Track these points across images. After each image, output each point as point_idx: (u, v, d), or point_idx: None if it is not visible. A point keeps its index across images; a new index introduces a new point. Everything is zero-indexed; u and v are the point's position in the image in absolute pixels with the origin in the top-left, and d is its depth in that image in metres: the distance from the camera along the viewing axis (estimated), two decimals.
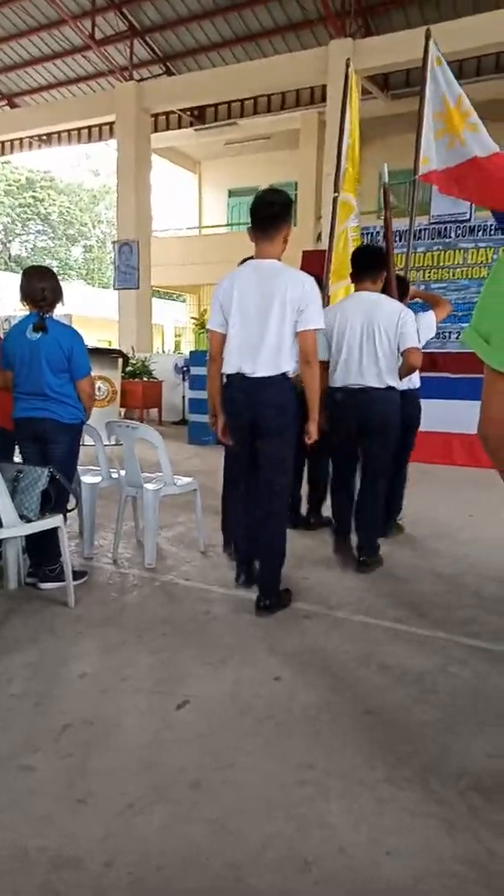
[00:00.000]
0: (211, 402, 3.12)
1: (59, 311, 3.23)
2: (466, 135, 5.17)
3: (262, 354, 2.84)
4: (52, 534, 2.98)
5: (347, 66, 5.94)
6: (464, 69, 11.78)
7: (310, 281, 2.86)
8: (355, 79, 6.78)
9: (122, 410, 9.23)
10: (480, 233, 7.94)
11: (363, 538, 3.56)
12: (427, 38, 5.41)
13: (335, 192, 5.41)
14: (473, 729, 2.04)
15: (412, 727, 2.05)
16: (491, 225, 7.88)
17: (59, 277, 3.24)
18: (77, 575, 3.18)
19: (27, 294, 3.07)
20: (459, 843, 1.56)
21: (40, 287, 3.05)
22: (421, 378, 7.28)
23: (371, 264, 3.55)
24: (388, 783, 1.78)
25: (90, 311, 18.82)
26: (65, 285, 3.23)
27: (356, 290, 3.61)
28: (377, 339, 3.37)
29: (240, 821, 1.64)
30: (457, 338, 8.13)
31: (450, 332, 8.17)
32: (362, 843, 1.56)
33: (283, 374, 2.85)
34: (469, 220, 7.95)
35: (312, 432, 2.97)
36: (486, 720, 2.09)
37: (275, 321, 2.82)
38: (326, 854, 1.53)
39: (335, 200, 5.44)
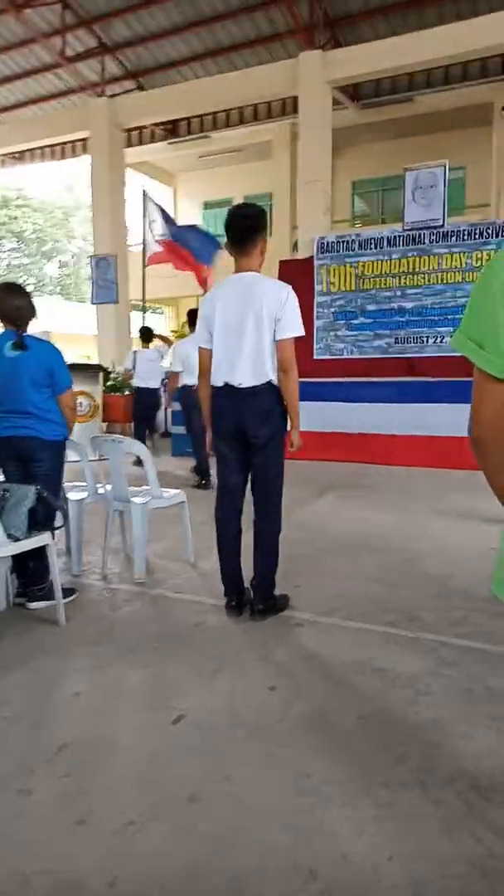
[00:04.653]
0: (205, 416, 3.14)
1: (38, 329, 3.22)
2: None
3: (244, 365, 2.87)
4: (41, 552, 2.96)
5: None
6: (431, 79, 12.02)
7: (287, 289, 2.89)
8: None
9: (105, 425, 9.20)
10: (454, 238, 8.05)
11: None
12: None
13: None
14: (467, 730, 2.06)
15: (407, 730, 2.07)
16: (464, 230, 8.01)
17: (35, 294, 3.24)
18: (66, 593, 3.16)
19: (2, 313, 3.06)
20: (459, 843, 1.57)
21: (15, 305, 3.04)
22: (401, 382, 7.38)
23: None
24: (385, 787, 1.79)
25: (68, 326, 18.76)
26: (41, 302, 3.22)
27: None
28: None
29: (240, 833, 1.64)
30: (433, 343, 8.23)
31: (427, 337, 8.27)
32: (364, 849, 1.57)
33: (269, 383, 2.88)
34: (442, 226, 8.07)
35: (295, 440, 3.01)
36: (478, 720, 2.11)
37: (252, 331, 2.85)
38: (329, 862, 1.53)
39: None
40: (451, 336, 7.80)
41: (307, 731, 2.08)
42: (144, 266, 9.70)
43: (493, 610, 3.04)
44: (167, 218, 9.55)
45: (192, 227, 9.75)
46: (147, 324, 9.26)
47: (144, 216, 9.41)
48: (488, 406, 1.04)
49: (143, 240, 9.45)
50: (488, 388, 1.03)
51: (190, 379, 6.10)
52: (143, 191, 9.58)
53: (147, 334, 8.32)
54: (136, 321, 10.66)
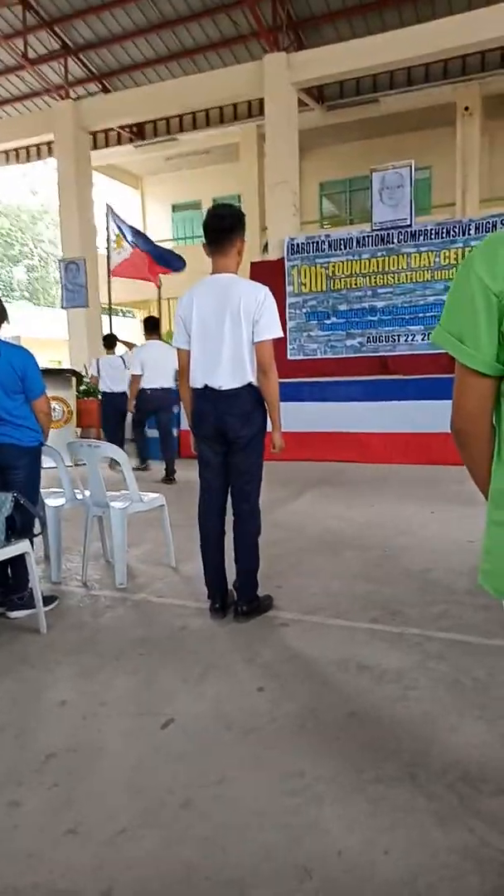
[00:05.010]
0: (187, 417, 3.13)
1: (8, 334, 3.17)
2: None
3: (223, 367, 2.86)
4: (19, 560, 2.91)
5: None
6: (394, 80, 12.16)
7: (264, 291, 2.89)
8: None
9: (79, 430, 9.10)
10: (422, 237, 8.16)
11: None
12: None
13: None
14: (456, 721, 2.08)
15: (396, 725, 2.08)
16: (431, 229, 8.12)
17: (4, 299, 3.19)
18: (47, 601, 3.12)
19: None
20: (452, 834, 1.59)
21: None
22: (374, 380, 7.54)
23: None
24: (377, 783, 1.80)
25: (38, 331, 18.53)
26: (9, 307, 3.17)
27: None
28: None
29: (234, 836, 1.63)
30: (405, 341, 8.32)
31: (399, 336, 8.35)
32: (358, 845, 1.57)
33: (249, 385, 2.88)
34: (410, 225, 8.17)
35: (277, 441, 3.02)
36: (467, 712, 2.13)
37: (231, 334, 2.84)
38: (324, 860, 1.53)
39: None
40: (430, 333, 7.93)
41: (297, 730, 2.08)
42: (109, 277, 9.77)
43: (473, 602, 3.08)
44: (134, 231, 9.68)
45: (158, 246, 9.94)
46: (118, 327, 9.30)
47: (108, 229, 9.55)
48: (470, 399, 1.06)
49: (108, 253, 9.67)
50: (469, 382, 1.05)
51: (147, 382, 6.53)
52: (107, 205, 9.70)
53: (110, 340, 8.38)
54: (108, 325, 10.60)
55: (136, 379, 6.67)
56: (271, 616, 3.02)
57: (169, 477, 6.70)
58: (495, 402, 1.06)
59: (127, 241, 9.42)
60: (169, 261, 9.34)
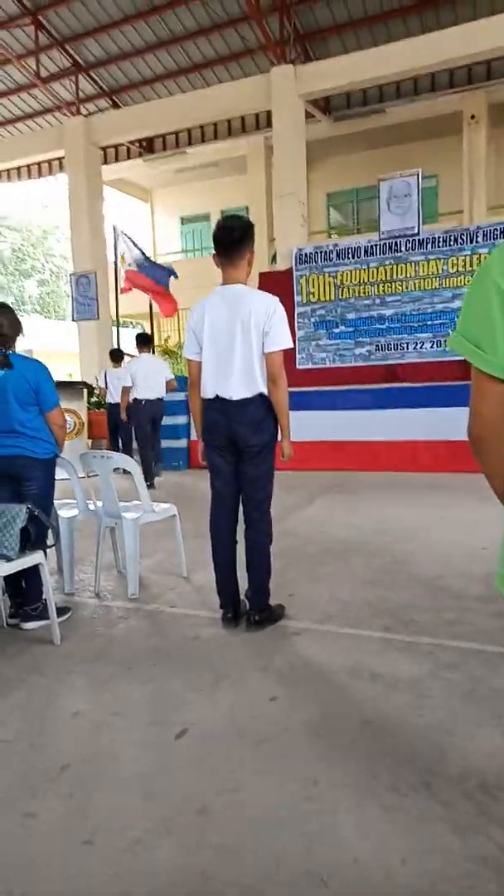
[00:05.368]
0: (196, 427, 3.15)
1: (21, 347, 3.21)
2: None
3: (234, 378, 2.88)
4: (33, 572, 2.94)
5: None
6: (401, 90, 12.23)
7: (275, 302, 2.91)
8: None
9: (90, 442, 9.17)
10: (430, 245, 8.18)
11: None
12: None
13: None
14: (471, 730, 2.07)
15: (411, 733, 2.07)
16: (439, 237, 8.13)
17: (16, 313, 3.22)
18: (60, 611, 3.13)
19: None
20: (470, 842, 1.58)
21: (0, 322, 3.03)
22: (383, 388, 7.59)
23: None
24: (392, 791, 1.79)
25: (49, 344, 18.69)
26: (22, 321, 3.21)
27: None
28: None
29: (250, 843, 1.63)
30: (414, 349, 8.32)
31: (407, 344, 8.36)
32: (375, 852, 1.56)
33: (260, 394, 2.89)
34: (417, 234, 8.19)
35: (286, 450, 3.04)
36: (482, 721, 2.12)
37: (241, 344, 2.86)
38: (341, 868, 1.53)
39: None
40: (439, 341, 7.90)
41: (311, 738, 2.08)
42: (117, 293, 10.22)
43: (485, 609, 3.07)
44: (139, 255, 10.09)
45: (150, 261, 10.29)
46: (127, 339, 9.55)
47: (116, 249, 9.91)
48: (487, 406, 1.05)
49: (115, 269, 10.10)
50: (487, 388, 1.04)
51: (138, 393, 6.92)
52: (114, 226, 10.07)
53: (117, 355, 8.80)
54: (121, 337, 10.78)
55: (126, 390, 7.06)
56: (283, 625, 3.02)
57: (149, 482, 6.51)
58: None
59: (130, 261, 9.86)
60: (158, 277, 9.91)
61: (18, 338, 3.10)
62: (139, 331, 10.81)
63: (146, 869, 1.57)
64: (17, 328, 3.08)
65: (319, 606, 3.23)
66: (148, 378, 6.93)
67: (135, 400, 6.94)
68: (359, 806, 1.73)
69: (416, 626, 2.94)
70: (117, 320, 10.80)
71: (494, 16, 9.36)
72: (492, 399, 1.04)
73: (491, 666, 2.51)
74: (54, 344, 20.01)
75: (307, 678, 2.49)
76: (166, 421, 8.45)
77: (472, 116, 13.40)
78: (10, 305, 3.21)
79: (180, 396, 8.08)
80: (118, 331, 10.70)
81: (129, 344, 9.45)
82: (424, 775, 1.85)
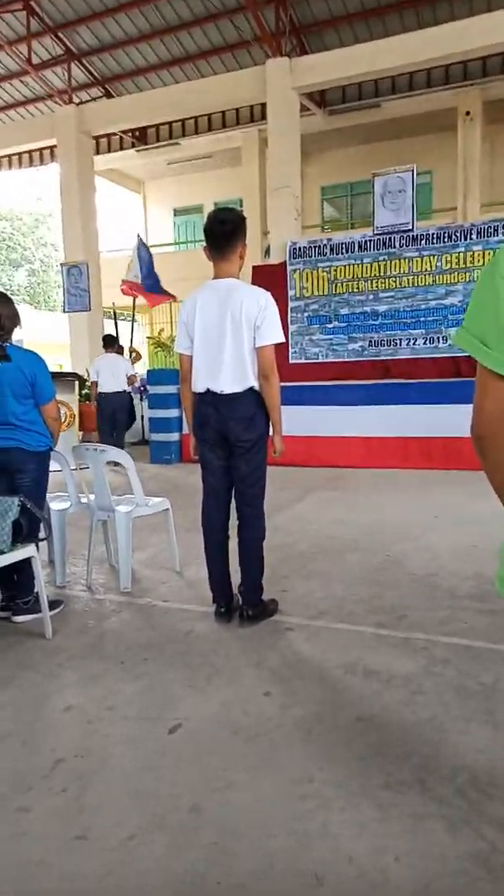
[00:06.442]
0: (188, 421, 3.13)
1: (11, 337, 3.17)
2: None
3: (225, 372, 2.86)
4: (25, 565, 2.92)
5: None
6: (396, 85, 12.19)
7: (266, 296, 2.89)
8: None
9: (81, 434, 9.11)
10: (423, 241, 8.16)
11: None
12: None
13: None
14: (463, 726, 2.08)
15: (404, 730, 2.08)
16: (433, 234, 8.13)
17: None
18: (52, 605, 3.12)
19: None
20: (463, 840, 1.58)
21: None
22: (376, 384, 7.62)
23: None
24: (386, 788, 1.80)
25: (39, 335, 18.53)
26: None
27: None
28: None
29: (243, 841, 1.63)
30: (407, 345, 8.32)
31: (401, 340, 8.36)
32: (369, 851, 1.57)
33: (251, 389, 2.88)
34: (411, 230, 8.17)
35: (278, 445, 3.03)
36: (473, 717, 2.13)
37: (232, 339, 2.85)
38: (335, 865, 1.53)
39: None
40: (432, 337, 7.87)
41: (305, 735, 2.08)
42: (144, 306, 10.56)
43: (477, 607, 3.08)
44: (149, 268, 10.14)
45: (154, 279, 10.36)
46: (121, 331, 9.60)
47: (137, 258, 10.04)
48: (492, 403, 1.04)
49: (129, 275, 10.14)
50: (492, 386, 1.03)
51: (101, 387, 7.91)
52: (138, 234, 10.53)
53: (110, 340, 8.95)
54: (109, 328, 10.79)
55: (93, 385, 8.07)
56: (277, 620, 3.02)
57: None
58: None
59: (134, 275, 9.92)
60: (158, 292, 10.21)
61: (16, 329, 3.07)
62: (131, 323, 10.81)
63: (139, 866, 1.57)
64: (15, 320, 3.04)
65: (313, 602, 3.24)
66: (108, 373, 7.92)
67: (99, 393, 7.93)
68: (353, 804, 1.74)
69: (410, 622, 2.94)
70: (132, 318, 10.85)
71: (490, 13, 9.34)
72: (496, 396, 1.04)
73: (480, 661, 2.52)
74: (44, 334, 19.84)
75: (300, 674, 2.49)
76: (159, 414, 8.45)
77: (467, 113, 13.37)
78: (7, 295, 3.16)
79: (172, 390, 8.05)
80: (116, 323, 10.79)
81: (122, 338, 9.57)
82: (418, 772, 1.85)
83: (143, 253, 9.98)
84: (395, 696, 2.29)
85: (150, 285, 9.99)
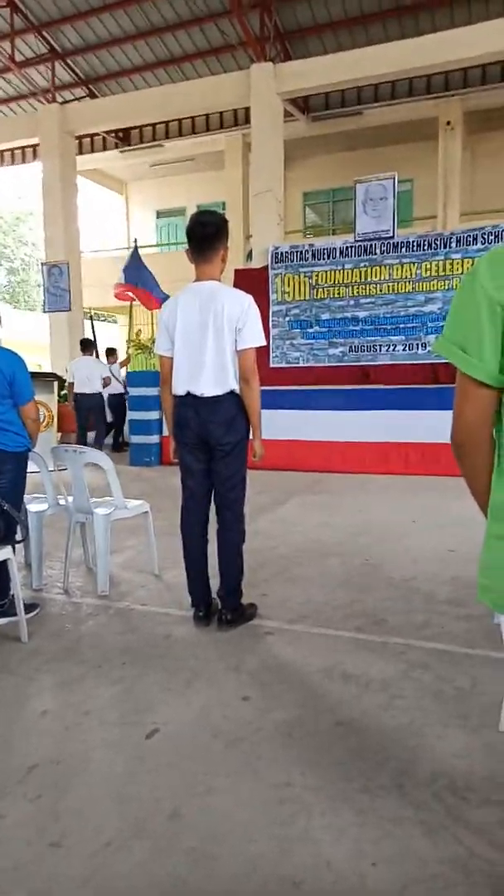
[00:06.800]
0: (168, 423, 3.11)
1: None
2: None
3: (206, 375, 2.86)
4: (1, 567, 2.87)
5: None
6: (379, 93, 12.31)
7: (248, 299, 2.90)
8: None
9: (59, 435, 9.03)
10: (404, 249, 8.24)
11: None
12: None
13: None
14: (441, 730, 2.09)
15: (383, 734, 2.09)
16: (413, 241, 8.21)
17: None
18: (28, 608, 3.07)
19: None
20: (440, 845, 1.59)
21: None
22: (356, 389, 7.65)
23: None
24: (365, 793, 1.80)
25: (18, 334, 18.34)
26: None
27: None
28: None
29: (223, 847, 1.62)
30: (386, 351, 8.39)
31: (380, 346, 8.42)
32: (347, 856, 1.57)
33: (232, 392, 2.88)
34: (392, 237, 8.25)
35: (257, 449, 3.03)
36: (451, 721, 2.15)
37: (213, 341, 2.84)
38: (313, 871, 1.52)
39: None
40: (410, 343, 7.96)
41: (284, 739, 2.07)
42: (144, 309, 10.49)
43: (454, 612, 3.11)
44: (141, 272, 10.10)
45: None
46: (100, 333, 9.74)
47: (131, 262, 10.02)
48: (471, 410, 1.06)
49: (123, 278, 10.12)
50: (471, 393, 1.05)
51: (79, 388, 8.49)
52: (135, 240, 10.67)
53: (87, 343, 9.30)
54: (87, 330, 10.78)
55: (70, 386, 8.61)
56: (256, 625, 3.01)
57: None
58: (496, 414, 1.07)
59: (126, 280, 9.91)
60: (156, 289, 10.16)
61: None
62: (112, 324, 10.75)
63: (117, 872, 1.55)
64: None
65: (292, 606, 3.24)
66: (83, 376, 8.47)
67: (76, 394, 8.50)
68: (332, 809, 1.74)
69: (388, 626, 2.96)
70: (91, 317, 10.81)
71: (471, 25, 9.49)
72: (476, 403, 1.05)
73: (457, 666, 2.54)
74: (23, 334, 19.65)
75: (280, 678, 2.49)
76: (139, 416, 8.41)
77: (448, 123, 13.56)
78: None
79: (153, 392, 8.01)
80: (93, 324, 10.76)
81: (101, 339, 9.63)
82: (396, 777, 1.86)
83: (138, 261, 10.07)
84: (373, 701, 2.29)
85: (150, 287, 10.06)
